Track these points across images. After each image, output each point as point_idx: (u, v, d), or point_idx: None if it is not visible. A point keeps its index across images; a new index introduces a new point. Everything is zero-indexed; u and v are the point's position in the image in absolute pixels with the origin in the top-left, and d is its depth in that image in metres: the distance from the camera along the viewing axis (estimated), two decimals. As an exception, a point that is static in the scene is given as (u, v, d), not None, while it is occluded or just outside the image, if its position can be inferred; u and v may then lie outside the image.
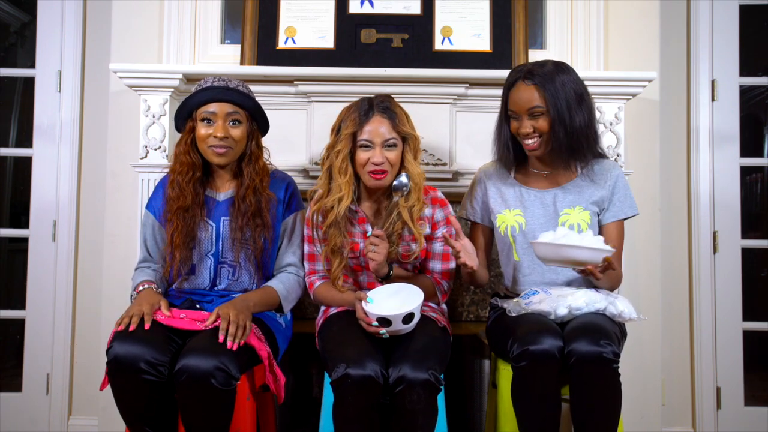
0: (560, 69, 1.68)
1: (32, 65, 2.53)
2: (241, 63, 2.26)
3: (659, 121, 2.38)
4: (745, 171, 2.59)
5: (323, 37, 2.28)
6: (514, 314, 1.62)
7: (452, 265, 1.75)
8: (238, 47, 2.32)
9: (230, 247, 1.69)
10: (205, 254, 1.72)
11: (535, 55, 2.31)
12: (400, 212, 1.68)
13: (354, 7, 2.30)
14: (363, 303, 1.55)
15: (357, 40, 2.27)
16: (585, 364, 1.44)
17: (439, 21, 2.29)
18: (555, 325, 1.55)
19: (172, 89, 2.11)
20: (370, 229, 1.71)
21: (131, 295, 1.69)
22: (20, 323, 2.51)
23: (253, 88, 1.87)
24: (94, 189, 2.48)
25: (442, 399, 1.57)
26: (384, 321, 1.51)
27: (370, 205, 1.78)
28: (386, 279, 1.68)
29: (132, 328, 1.45)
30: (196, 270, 1.72)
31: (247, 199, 1.68)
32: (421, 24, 2.28)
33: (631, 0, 2.34)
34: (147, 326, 1.46)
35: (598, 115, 2.11)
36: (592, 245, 1.48)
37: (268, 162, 1.80)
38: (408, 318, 1.51)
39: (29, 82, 2.56)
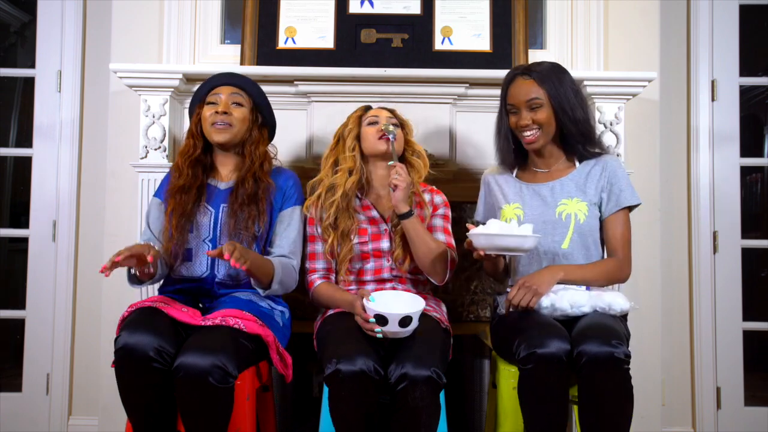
0: (557, 68, 1.74)
1: (32, 65, 2.53)
2: (241, 63, 2.26)
3: (659, 121, 2.38)
4: (745, 171, 2.59)
5: (323, 37, 2.28)
6: (503, 311, 1.65)
7: (452, 240, 1.82)
8: (238, 47, 2.32)
9: (227, 233, 1.70)
10: (203, 240, 1.73)
11: (535, 55, 2.31)
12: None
13: (354, 7, 2.30)
14: (364, 300, 1.56)
15: (357, 40, 2.28)
16: (596, 365, 1.43)
17: (439, 21, 2.29)
18: (562, 327, 1.56)
19: (172, 89, 2.11)
20: (375, 213, 1.82)
21: (130, 274, 1.68)
22: (20, 323, 2.52)
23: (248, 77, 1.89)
24: (94, 189, 2.48)
25: (443, 398, 1.57)
26: (381, 319, 1.51)
27: (374, 196, 1.84)
28: (406, 217, 1.70)
29: (117, 259, 1.46)
30: (194, 256, 1.72)
31: (246, 182, 1.72)
32: (421, 24, 2.28)
33: (631, 0, 2.34)
34: (117, 258, 1.47)
35: (597, 115, 2.11)
36: (519, 233, 1.54)
37: (274, 158, 1.86)
38: (405, 321, 1.51)
39: (29, 82, 2.56)
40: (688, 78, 2.54)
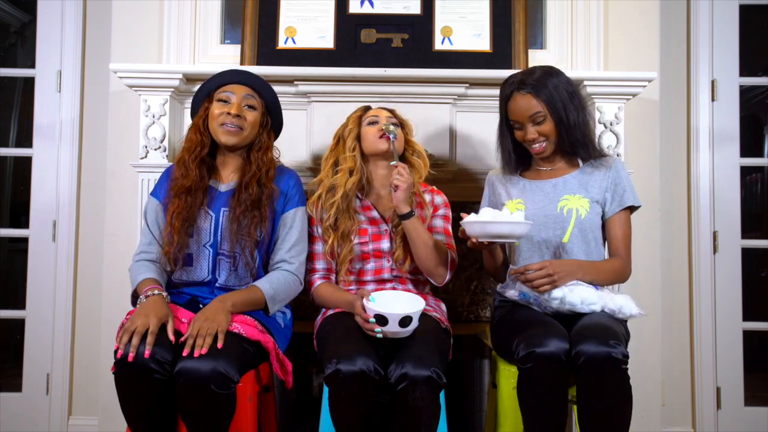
0: (548, 73, 1.74)
1: (32, 65, 2.53)
2: (241, 63, 2.26)
3: (659, 121, 2.38)
4: (745, 171, 2.59)
5: (323, 37, 2.28)
6: (515, 293, 1.66)
7: (452, 240, 1.82)
8: (238, 47, 2.32)
9: (228, 238, 1.66)
10: (204, 245, 1.68)
11: (535, 55, 2.31)
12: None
13: (354, 7, 2.30)
14: (364, 299, 1.56)
15: (357, 40, 2.27)
16: (594, 365, 1.43)
17: (439, 21, 2.29)
18: (561, 326, 1.56)
19: (172, 89, 2.11)
20: (376, 214, 1.82)
21: (135, 296, 1.62)
22: (20, 323, 2.52)
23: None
24: (94, 189, 2.48)
25: (443, 398, 1.57)
26: (381, 319, 1.51)
27: (375, 196, 1.84)
28: (407, 217, 1.70)
29: (134, 344, 1.38)
30: (194, 261, 1.68)
31: (249, 188, 1.67)
32: (421, 24, 2.28)
33: (631, 0, 2.34)
34: (147, 352, 1.39)
35: (597, 115, 2.12)
36: (510, 219, 1.56)
37: (276, 159, 1.81)
38: (405, 321, 1.51)
39: (29, 82, 2.56)
40: (688, 78, 2.54)
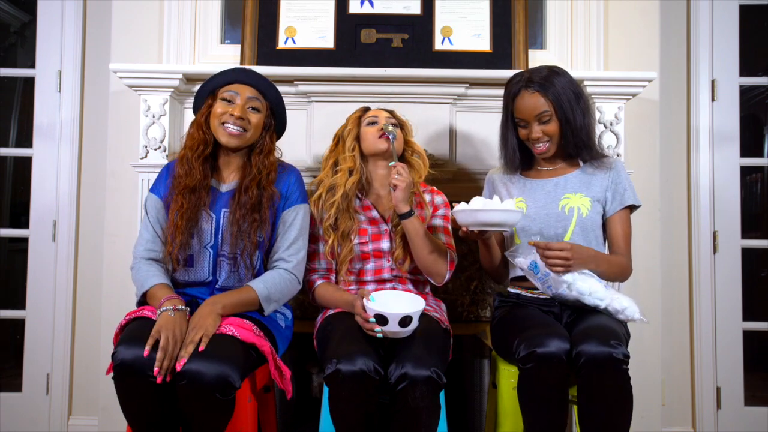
0: (556, 73, 1.74)
1: (32, 65, 2.53)
2: (241, 63, 2.26)
3: (659, 121, 2.38)
4: (745, 171, 2.59)
5: (323, 37, 2.28)
6: (524, 260, 1.65)
7: (452, 240, 1.82)
8: (238, 47, 2.32)
9: (228, 240, 1.65)
10: (205, 246, 1.66)
11: (535, 55, 2.31)
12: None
13: (354, 7, 2.30)
14: (364, 299, 1.56)
15: (357, 40, 2.27)
16: (594, 365, 1.43)
17: (439, 21, 2.29)
18: (561, 327, 1.56)
19: (172, 89, 2.11)
20: (376, 214, 1.82)
21: (144, 297, 1.60)
22: (20, 323, 2.52)
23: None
24: (94, 189, 2.48)
25: (443, 398, 1.57)
26: (381, 319, 1.51)
27: (375, 196, 1.84)
28: (406, 217, 1.69)
29: (164, 367, 1.37)
30: (195, 262, 1.66)
31: (249, 191, 1.64)
32: (421, 24, 2.28)
33: (631, 0, 2.34)
34: (160, 378, 1.37)
35: (598, 115, 2.12)
36: (502, 207, 1.56)
37: (278, 158, 1.78)
38: (405, 321, 1.51)
39: (29, 82, 2.56)
40: (688, 78, 2.54)
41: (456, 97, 2.17)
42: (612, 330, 1.49)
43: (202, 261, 1.67)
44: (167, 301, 1.50)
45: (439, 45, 2.28)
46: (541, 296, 1.74)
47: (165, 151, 2.11)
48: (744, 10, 2.55)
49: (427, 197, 1.85)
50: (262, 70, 2.14)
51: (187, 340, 1.43)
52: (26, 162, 2.55)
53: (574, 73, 1.89)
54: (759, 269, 2.73)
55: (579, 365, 1.45)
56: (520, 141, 1.80)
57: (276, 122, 1.77)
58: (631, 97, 2.14)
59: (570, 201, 1.74)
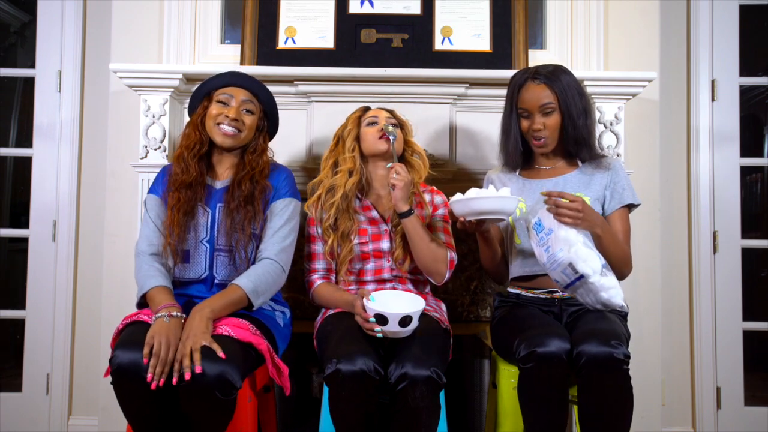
0: (562, 70, 1.76)
1: (32, 65, 2.53)
2: (241, 63, 2.26)
3: (659, 121, 2.38)
4: (745, 171, 2.59)
5: (323, 37, 2.28)
6: (533, 219, 1.62)
7: (452, 240, 1.81)
8: (238, 47, 2.32)
9: (224, 232, 1.68)
10: (201, 240, 1.69)
11: (535, 55, 2.31)
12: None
13: (354, 7, 2.30)
14: (364, 299, 1.56)
15: (357, 40, 2.28)
16: (595, 365, 1.43)
17: (439, 21, 2.29)
18: (562, 327, 1.56)
19: (172, 89, 2.11)
20: (375, 214, 1.82)
21: (143, 298, 1.61)
22: (20, 323, 2.52)
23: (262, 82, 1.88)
24: (94, 189, 2.48)
25: (443, 398, 1.57)
26: (381, 318, 1.51)
27: (375, 196, 1.84)
28: (406, 216, 1.69)
29: (158, 373, 1.38)
30: (192, 257, 1.69)
31: (243, 184, 1.69)
32: (421, 24, 2.28)
33: (631, 0, 2.34)
34: (154, 384, 1.38)
35: (597, 115, 2.12)
36: (497, 194, 1.55)
37: (271, 158, 1.82)
38: (405, 321, 1.51)
39: (29, 82, 2.56)
40: (688, 78, 2.54)
41: (456, 97, 2.17)
42: (612, 330, 1.49)
43: (198, 256, 1.69)
44: (163, 309, 1.51)
45: (439, 45, 2.28)
46: (541, 296, 1.74)
47: (165, 151, 2.11)
48: (744, 10, 2.55)
49: (426, 197, 1.85)
50: (262, 70, 2.16)
51: (180, 353, 1.42)
52: (26, 162, 2.55)
53: (574, 73, 1.88)
54: (759, 269, 2.73)
55: (580, 365, 1.44)
56: (523, 137, 1.79)
57: (269, 124, 1.82)
58: (631, 97, 2.14)
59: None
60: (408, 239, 1.73)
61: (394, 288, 1.78)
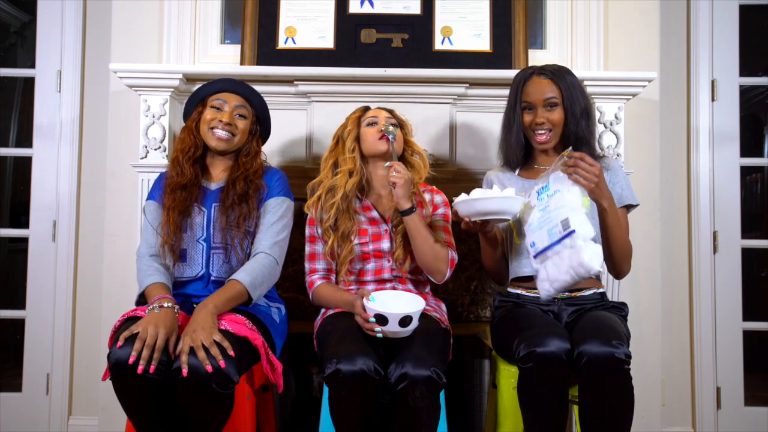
0: (567, 71, 1.77)
1: (32, 65, 2.53)
2: (241, 63, 2.26)
3: (659, 121, 2.38)
4: (745, 171, 2.59)
5: (323, 37, 2.28)
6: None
7: (452, 239, 1.81)
8: (238, 47, 2.32)
9: (219, 230, 1.71)
10: (197, 239, 1.73)
11: (535, 55, 2.31)
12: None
13: (354, 7, 2.30)
14: (364, 299, 1.56)
15: (357, 40, 2.28)
16: (596, 365, 1.42)
17: (439, 21, 2.29)
18: (562, 327, 1.56)
19: (172, 89, 2.11)
20: (376, 214, 1.82)
21: (142, 297, 1.64)
22: (20, 323, 2.52)
23: (253, 87, 1.89)
24: (94, 189, 2.48)
25: (443, 398, 1.57)
26: (381, 318, 1.51)
27: (375, 196, 1.84)
28: (407, 213, 1.70)
29: (144, 356, 1.39)
30: (189, 256, 1.72)
31: (237, 184, 1.73)
32: (421, 24, 2.28)
33: (631, 0, 2.34)
34: (152, 368, 1.40)
35: (597, 115, 2.12)
36: (502, 195, 1.56)
37: (264, 162, 1.86)
38: (405, 321, 1.51)
39: (29, 82, 2.56)
40: (688, 78, 2.54)
41: (456, 97, 2.17)
42: (613, 329, 1.49)
43: (195, 255, 1.73)
44: (156, 301, 1.54)
45: (439, 45, 2.28)
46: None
47: (165, 151, 2.11)
48: (744, 10, 2.55)
49: (426, 197, 1.85)
50: (262, 70, 2.16)
51: (188, 345, 1.43)
52: (26, 162, 2.55)
53: (575, 73, 1.88)
54: (759, 269, 2.73)
55: (581, 365, 1.44)
56: (524, 130, 1.79)
57: (261, 128, 1.87)
58: (631, 97, 2.14)
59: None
60: (409, 237, 1.73)
61: (394, 288, 1.78)
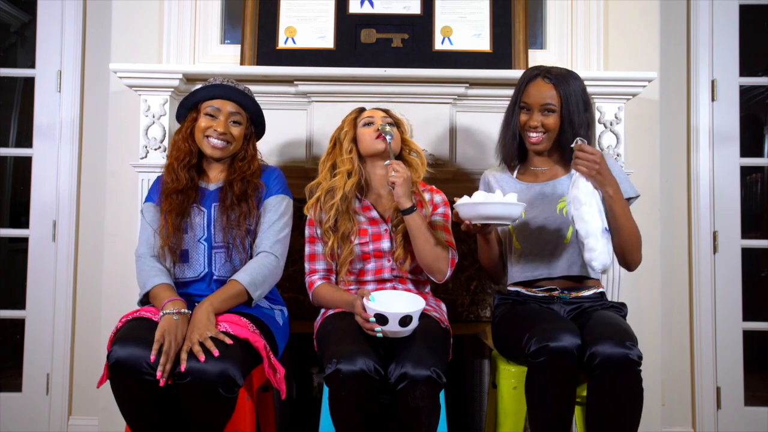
0: (573, 76, 1.76)
1: (32, 65, 2.53)
2: (241, 63, 2.26)
3: (659, 121, 2.38)
4: (745, 171, 2.59)
5: (323, 37, 2.28)
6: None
7: (452, 238, 1.81)
8: (238, 47, 2.32)
9: (220, 229, 1.71)
10: (198, 240, 1.72)
11: (535, 55, 2.31)
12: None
13: (354, 7, 2.30)
14: (364, 299, 1.56)
15: (357, 40, 2.28)
16: (610, 366, 1.42)
17: (439, 21, 2.29)
18: (571, 322, 1.55)
19: (172, 89, 2.11)
20: (375, 214, 1.82)
21: (146, 297, 1.64)
22: (20, 323, 2.52)
23: (253, 88, 1.91)
24: (94, 189, 2.48)
25: (443, 398, 1.57)
26: (381, 318, 1.51)
27: (374, 196, 1.84)
28: (408, 212, 1.69)
29: (167, 370, 1.41)
30: (191, 257, 1.71)
31: (235, 184, 1.73)
32: (421, 24, 2.28)
33: (631, 0, 2.34)
34: (163, 381, 1.41)
35: (597, 115, 2.12)
36: (505, 200, 1.56)
37: (261, 160, 1.85)
38: (405, 320, 1.51)
39: (29, 82, 2.56)
40: (688, 78, 2.54)
41: (456, 97, 2.17)
42: (624, 330, 1.49)
43: (197, 255, 1.72)
44: (170, 303, 1.53)
45: (439, 45, 2.28)
46: (539, 294, 1.74)
47: (165, 151, 2.11)
48: (744, 10, 2.55)
49: (426, 196, 1.85)
50: (262, 70, 2.16)
51: (186, 344, 1.44)
52: (26, 162, 2.55)
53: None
54: (759, 269, 2.74)
55: (593, 366, 1.43)
56: (520, 128, 1.79)
57: (256, 129, 1.86)
58: (631, 97, 2.14)
59: (566, 203, 1.73)
60: (410, 236, 1.73)
61: (394, 288, 1.78)
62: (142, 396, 1.43)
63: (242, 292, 1.63)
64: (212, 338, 1.45)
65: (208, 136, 1.74)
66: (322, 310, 1.81)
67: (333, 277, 1.84)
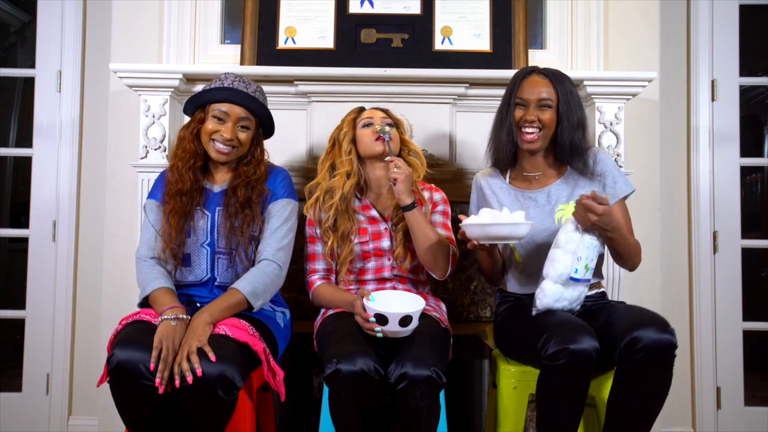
0: (568, 78, 1.75)
1: (32, 65, 2.53)
2: (241, 63, 2.26)
3: (659, 121, 2.39)
4: (745, 171, 2.59)
5: (323, 37, 2.28)
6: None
7: (452, 236, 1.81)
8: (238, 47, 2.32)
9: (224, 235, 1.69)
10: (201, 244, 1.70)
11: (535, 55, 2.31)
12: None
13: (354, 7, 2.30)
14: (364, 299, 1.56)
15: (357, 40, 2.28)
16: (654, 351, 1.41)
17: (439, 21, 2.29)
18: (588, 325, 1.54)
19: (172, 89, 2.11)
20: (375, 213, 1.82)
21: (145, 299, 1.64)
22: (20, 323, 2.52)
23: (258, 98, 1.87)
24: (94, 189, 2.48)
25: (443, 398, 1.57)
26: (381, 318, 1.51)
27: (374, 195, 1.85)
28: (409, 209, 1.69)
29: (165, 377, 1.40)
30: (193, 261, 1.70)
31: (239, 190, 1.70)
32: (421, 24, 2.28)
33: (631, 0, 2.34)
34: (162, 389, 1.41)
35: (598, 115, 2.12)
36: (511, 220, 1.55)
37: (266, 160, 1.82)
38: (405, 320, 1.51)
39: (29, 82, 2.56)
40: (688, 78, 2.54)
41: (456, 97, 2.18)
42: (662, 318, 1.48)
43: (199, 259, 1.70)
44: (169, 310, 1.53)
45: (439, 45, 2.28)
46: None
47: (165, 151, 2.11)
48: (744, 10, 2.55)
49: (426, 194, 1.85)
50: (262, 70, 2.16)
51: (179, 357, 1.43)
52: (26, 162, 2.55)
53: (574, 74, 1.89)
54: (759, 269, 2.74)
55: (634, 350, 1.42)
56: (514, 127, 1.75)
57: (264, 132, 1.82)
58: (631, 97, 2.14)
59: (565, 212, 1.71)
60: (411, 233, 1.73)
61: (394, 287, 1.78)
62: (142, 400, 1.43)
63: (242, 302, 1.62)
64: (200, 350, 1.44)
65: (214, 140, 1.71)
66: (322, 310, 1.81)
67: (333, 277, 1.84)
